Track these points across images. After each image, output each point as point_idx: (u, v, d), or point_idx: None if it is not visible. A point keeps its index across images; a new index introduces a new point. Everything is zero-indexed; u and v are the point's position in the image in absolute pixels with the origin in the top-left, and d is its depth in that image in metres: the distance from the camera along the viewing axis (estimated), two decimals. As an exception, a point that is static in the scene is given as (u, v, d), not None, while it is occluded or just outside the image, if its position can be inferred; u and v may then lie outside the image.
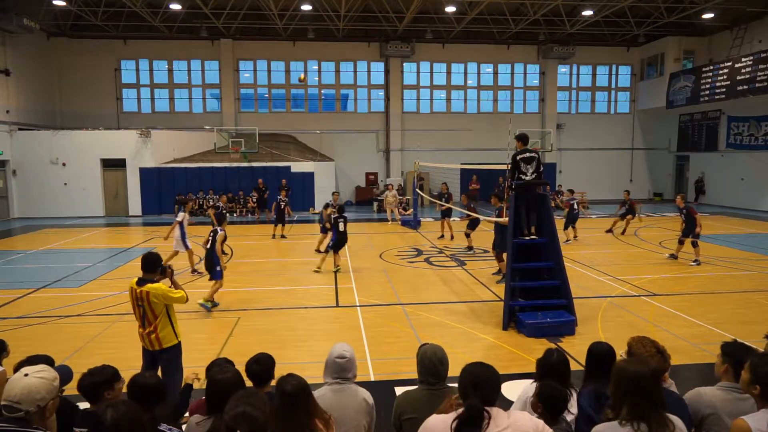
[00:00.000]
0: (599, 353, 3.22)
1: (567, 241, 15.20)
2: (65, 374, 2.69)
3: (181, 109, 27.18)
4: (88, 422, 2.73)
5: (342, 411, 3.12)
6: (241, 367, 3.40)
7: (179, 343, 5.02)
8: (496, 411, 2.42)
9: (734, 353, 2.95)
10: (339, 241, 11.93)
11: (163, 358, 4.89)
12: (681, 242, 12.72)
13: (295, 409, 2.64)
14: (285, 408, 2.62)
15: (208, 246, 9.20)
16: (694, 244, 12.43)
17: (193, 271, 11.78)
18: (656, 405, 2.39)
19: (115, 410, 2.36)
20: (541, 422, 2.53)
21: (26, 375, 2.43)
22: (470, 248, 14.43)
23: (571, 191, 17.04)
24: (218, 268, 9.01)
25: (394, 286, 10.59)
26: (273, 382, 3.09)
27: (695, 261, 12.37)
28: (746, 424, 2.47)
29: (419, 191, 20.71)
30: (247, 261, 13.26)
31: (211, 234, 9.25)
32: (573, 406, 3.07)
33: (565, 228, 15.60)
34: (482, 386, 2.47)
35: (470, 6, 22.64)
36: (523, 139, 8.31)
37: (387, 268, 12.36)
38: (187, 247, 11.72)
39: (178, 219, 11.71)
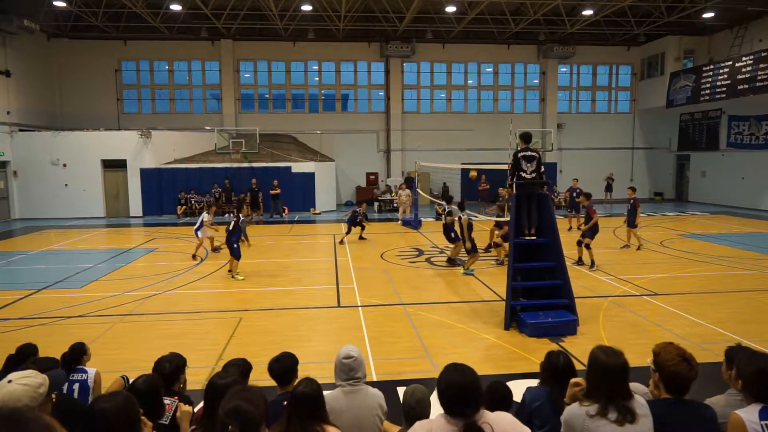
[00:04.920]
0: (557, 366, 3.34)
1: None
2: (58, 378, 2.51)
3: (182, 110, 27.20)
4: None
5: (358, 412, 3.07)
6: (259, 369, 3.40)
7: None
8: (492, 418, 2.39)
9: (736, 358, 2.96)
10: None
11: None
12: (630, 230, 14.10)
13: (293, 413, 2.64)
14: (288, 409, 2.64)
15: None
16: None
17: (215, 249, 14.48)
18: (623, 395, 2.60)
19: (110, 402, 2.31)
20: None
21: (10, 381, 2.32)
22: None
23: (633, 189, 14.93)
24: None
25: (395, 286, 10.59)
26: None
27: (628, 245, 14.25)
28: (739, 417, 2.64)
29: (420, 191, 20.73)
30: (247, 261, 13.26)
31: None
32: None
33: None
34: (469, 396, 2.37)
35: (470, 6, 22.63)
36: (525, 137, 8.38)
37: (388, 268, 12.36)
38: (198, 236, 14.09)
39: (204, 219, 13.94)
